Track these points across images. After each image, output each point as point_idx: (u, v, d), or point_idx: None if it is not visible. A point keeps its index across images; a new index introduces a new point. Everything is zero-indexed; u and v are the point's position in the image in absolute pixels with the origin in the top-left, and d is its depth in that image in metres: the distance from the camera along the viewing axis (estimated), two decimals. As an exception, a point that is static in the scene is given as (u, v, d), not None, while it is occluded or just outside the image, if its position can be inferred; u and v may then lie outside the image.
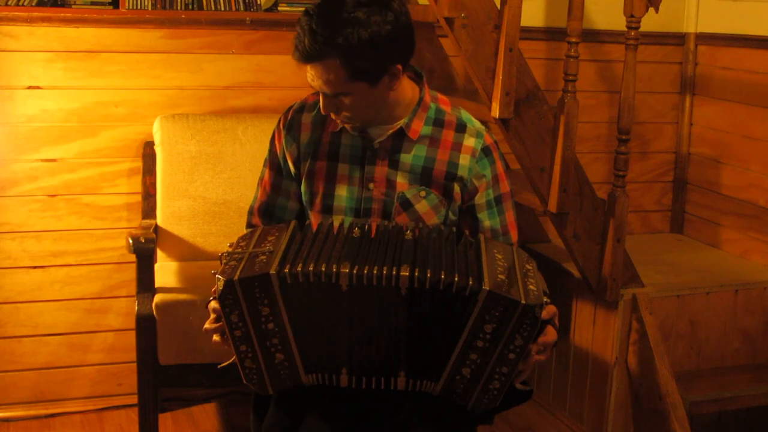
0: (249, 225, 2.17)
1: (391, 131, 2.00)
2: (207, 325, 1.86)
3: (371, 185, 2.01)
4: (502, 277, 1.74)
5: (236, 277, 1.69)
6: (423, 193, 2.01)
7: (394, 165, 2.01)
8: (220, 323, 1.79)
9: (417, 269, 1.72)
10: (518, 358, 1.72)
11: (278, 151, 2.11)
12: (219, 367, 1.86)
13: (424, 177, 2.01)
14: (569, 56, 2.63)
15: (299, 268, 1.71)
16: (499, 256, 1.83)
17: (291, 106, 2.12)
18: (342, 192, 2.02)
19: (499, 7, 2.58)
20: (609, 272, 2.78)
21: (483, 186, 2.03)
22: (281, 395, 1.90)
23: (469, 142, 2.02)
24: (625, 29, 2.65)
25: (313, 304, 1.75)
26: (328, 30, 1.81)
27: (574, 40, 2.61)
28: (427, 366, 1.77)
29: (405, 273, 1.71)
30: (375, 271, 1.71)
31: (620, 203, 2.73)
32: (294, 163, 2.09)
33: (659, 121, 3.71)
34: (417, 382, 1.78)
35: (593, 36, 3.47)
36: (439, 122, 2.03)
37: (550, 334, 1.83)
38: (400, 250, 1.80)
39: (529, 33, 3.19)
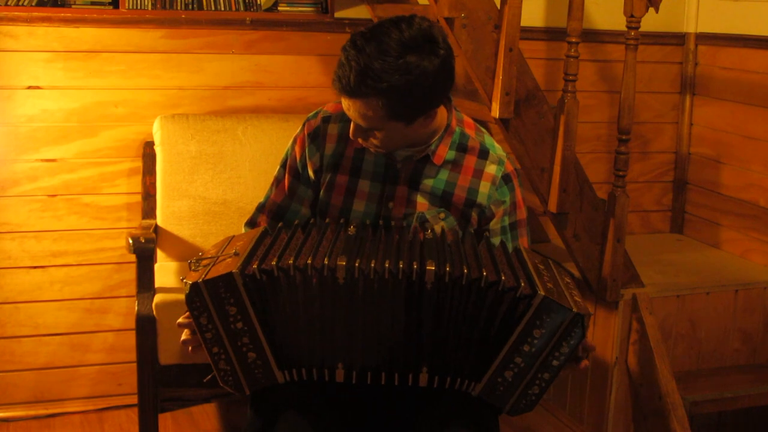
0: (251, 222, 2.16)
1: (417, 157, 2.00)
2: (183, 337, 1.85)
3: (391, 204, 2.02)
4: (550, 285, 1.75)
5: (201, 279, 1.70)
6: (442, 215, 2.01)
7: (416, 186, 2.02)
8: (195, 336, 1.79)
9: (448, 264, 1.71)
10: (561, 365, 1.73)
11: (298, 157, 2.10)
12: (204, 381, 1.85)
13: (444, 201, 2.02)
14: (569, 56, 2.63)
15: (273, 263, 1.71)
16: (542, 267, 1.85)
17: (317, 112, 2.10)
18: (360, 207, 2.02)
19: (499, 7, 2.59)
20: (609, 272, 2.78)
21: (500, 212, 2.04)
22: (258, 396, 1.89)
23: (491, 169, 2.03)
24: (625, 29, 2.65)
25: (290, 300, 1.74)
26: (376, 72, 1.78)
27: (574, 40, 2.61)
28: (461, 365, 1.76)
29: (431, 267, 1.70)
30: (387, 265, 1.70)
31: (620, 203, 2.73)
32: (315, 172, 2.08)
33: (659, 121, 3.71)
34: (449, 379, 1.77)
35: (593, 36, 3.47)
36: (462, 147, 2.03)
37: (589, 342, 1.83)
38: (418, 246, 1.81)
39: (529, 33, 3.20)
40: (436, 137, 2.00)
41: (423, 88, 1.82)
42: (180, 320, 1.83)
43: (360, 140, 1.96)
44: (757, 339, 3.11)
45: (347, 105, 1.88)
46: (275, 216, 2.13)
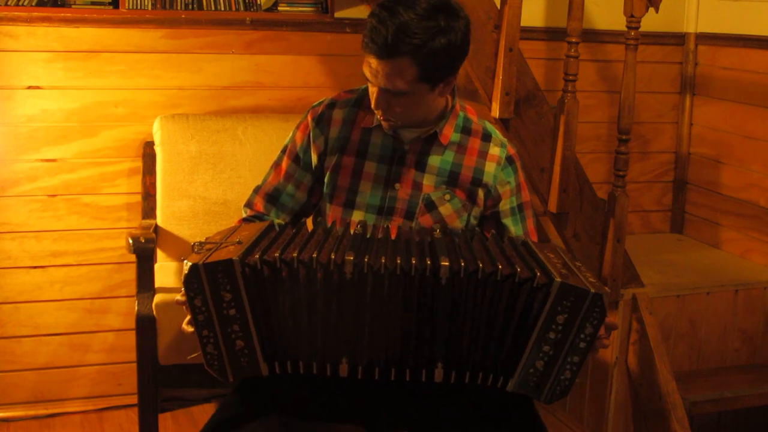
0: (248, 203, 2.20)
1: (424, 136, 2.06)
2: (183, 325, 1.86)
3: (397, 185, 2.06)
4: (564, 271, 1.77)
5: (201, 262, 1.72)
6: (447, 196, 2.06)
7: (422, 167, 2.07)
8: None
9: (462, 260, 1.72)
10: (588, 346, 1.75)
11: (300, 142, 2.14)
12: (188, 358, 1.86)
13: (450, 180, 2.07)
14: (569, 56, 2.63)
15: (276, 254, 1.72)
16: (552, 255, 1.87)
17: (322, 101, 2.16)
18: (366, 189, 2.06)
19: (499, 7, 2.59)
20: (609, 272, 2.78)
21: (507, 193, 2.11)
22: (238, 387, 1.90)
23: (495, 151, 2.10)
24: (625, 29, 2.65)
25: (291, 293, 1.74)
26: (412, 30, 1.86)
27: (574, 40, 2.61)
28: (483, 360, 1.76)
29: (445, 263, 1.71)
30: (398, 261, 1.71)
31: (620, 203, 2.73)
32: (319, 156, 2.11)
33: (659, 121, 3.71)
34: (468, 374, 1.77)
35: (593, 36, 3.47)
36: (467, 130, 2.11)
37: (609, 319, 1.85)
38: (428, 244, 1.82)
39: (529, 33, 3.19)
40: (442, 118, 2.07)
41: (453, 47, 1.91)
42: (178, 297, 1.84)
43: (379, 113, 2.00)
44: (757, 339, 3.11)
45: (376, 70, 1.91)
46: (270, 198, 2.17)
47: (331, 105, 2.13)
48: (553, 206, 2.72)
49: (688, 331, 3.02)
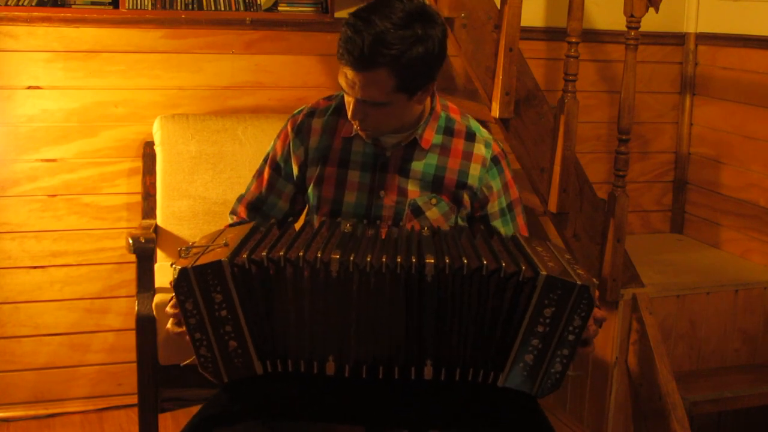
0: (233, 212, 2.21)
1: (405, 142, 2.03)
2: (168, 326, 1.86)
3: (382, 193, 2.03)
4: (551, 264, 1.77)
5: (190, 266, 1.72)
6: (434, 201, 2.04)
7: (406, 173, 2.04)
8: (182, 329, 1.80)
9: (447, 257, 1.72)
10: (577, 339, 1.76)
11: (280, 152, 2.13)
12: (182, 365, 1.86)
13: (435, 184, 2.04)
14: (569, 56, 2.63)
15: (263, 254, 1.72)
16: (540, 249, 1.87)
17: (301, 110, 2.13)
18: (351, 199, 2.04)
19: (499, 7, 2.59)
20: (609, 272, 2.78)
21: (494, 195, 2.08)
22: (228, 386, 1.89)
23: (479, 151, 2.06)
24: (625, 29, 2.65)
25: (279, 291, 1.74)
26: (389, 40, 1.82)
27: (574, 40, 2.61)
28: (473, 356, 1.77)
29: (430, 260, 1.71)
30: (384, 260, 1.71)
31: (620, 203, 2.73)
32: (299, 167, 2.09)
33: (659, 121, 3.71)
34: (459, 371, 1.77)
35: (593, 36, 3.47)
36: (449, 131, 2.07)
37: (599, 311, 1.86)
38: (415, 242, 1.82)
39: (529, 33, 3.20)
40: (422, 121, 2.03)
41: (431, 56, 1.87)
42: (168, 309, 1.85)
43: (356, 123, 1.97)
44: (757, 339, 3.11)
45: (352, 81, 1.88)
46: (253, 208, 2.17)
47: (311, 114, 2.10)
48: (553, 206, 2.72)
49: (688, 331, 3.02)
